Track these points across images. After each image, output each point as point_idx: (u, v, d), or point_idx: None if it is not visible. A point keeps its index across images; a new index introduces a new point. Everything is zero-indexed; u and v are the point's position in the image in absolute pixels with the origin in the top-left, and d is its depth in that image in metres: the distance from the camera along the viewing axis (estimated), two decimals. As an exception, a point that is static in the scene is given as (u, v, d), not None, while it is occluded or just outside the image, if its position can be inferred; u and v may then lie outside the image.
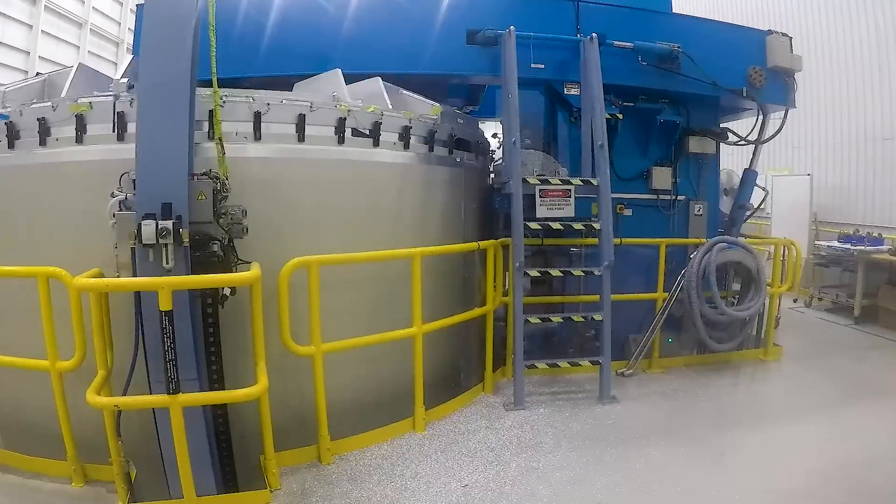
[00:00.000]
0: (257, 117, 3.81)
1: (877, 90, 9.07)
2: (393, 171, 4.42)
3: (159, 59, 3.13)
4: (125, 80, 3.99)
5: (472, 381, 5.32)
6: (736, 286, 6.29)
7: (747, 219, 7.13)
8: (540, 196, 5.09)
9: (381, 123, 4.26)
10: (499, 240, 5.29)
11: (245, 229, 3.38)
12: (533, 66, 5.39)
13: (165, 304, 2.85)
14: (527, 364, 5.05)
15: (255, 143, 3.82)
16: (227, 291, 3.39)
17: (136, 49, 4.99)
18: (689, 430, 4.53)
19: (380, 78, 4.70)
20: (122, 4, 15.62)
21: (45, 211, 3.67)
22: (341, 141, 4.09)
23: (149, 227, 2.91)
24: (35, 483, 3.63)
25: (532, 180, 5.10)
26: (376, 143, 4.27)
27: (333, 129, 4.07)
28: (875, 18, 9.04)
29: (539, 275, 5.28)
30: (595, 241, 5.34)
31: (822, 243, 9.09)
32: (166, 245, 2.95)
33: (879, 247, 8.06)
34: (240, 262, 3.48)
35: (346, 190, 4.14)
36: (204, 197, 3.16)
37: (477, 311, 5.08)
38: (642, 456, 4.10)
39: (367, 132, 4.21)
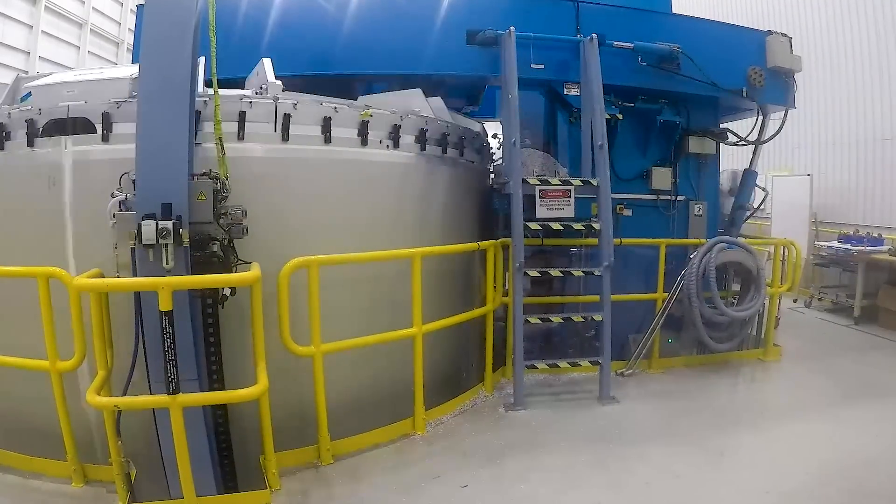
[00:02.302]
0: (286, 119, 3.84)
1: (877, 90, 9.07)
2: (393, 171, 4.42)
3: (159, 60, 3.13)
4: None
5: (473, 381, 5.32)
6: (736, 286, 6.29)
7: (747, 219, 7.14)
8: (540, 196, 5.09)
9: (400, 126, 4.32)
10: (499, 240, 5.30)
11: (245, 229, 3.38)
12: (533, 66, 5.39)
13: (165, 304, 2.85)
14: (527, 364, 5.05)
15: (257, 143, 3.83)
16: (227, 292, 3.40)
17: (136, 49, 4.99)
18: (689, 431, 4.53)
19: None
20: (122, 4, 15.60)
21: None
22: (365, 143, 4.18)
23: (149, 228, 2.91)
24: (35, 483, 3.63)
25: (532, 180, 5.10)
26: (396, 146, 4.34)
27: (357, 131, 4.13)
28: (875, 18, 9.03)
29: (539, 275, 5.27)
30: (595, 241, 5.34)
31: (822, 243, 9.10)
32: (166, 245, 2.95)
33: (879, 247, 8.06)
34: (240, 262, 3.48)
35: (346, 190, 4.14)
36: (204, 197, 3.16)
37: (477, 312, 5.08)
38: (642, 456, 4.10)
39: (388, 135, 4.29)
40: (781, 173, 10.73)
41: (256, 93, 3.99)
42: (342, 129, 4.11)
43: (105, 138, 3.58)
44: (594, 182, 5.19)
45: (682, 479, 3.79)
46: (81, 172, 3.59)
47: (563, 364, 5.22)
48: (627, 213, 6.04)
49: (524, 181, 5.03)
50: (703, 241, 5.97)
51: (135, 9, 10.24)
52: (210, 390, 3.37)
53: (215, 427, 3.49)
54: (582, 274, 5.28)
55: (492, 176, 6.10)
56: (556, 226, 5.15)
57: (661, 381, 5.69)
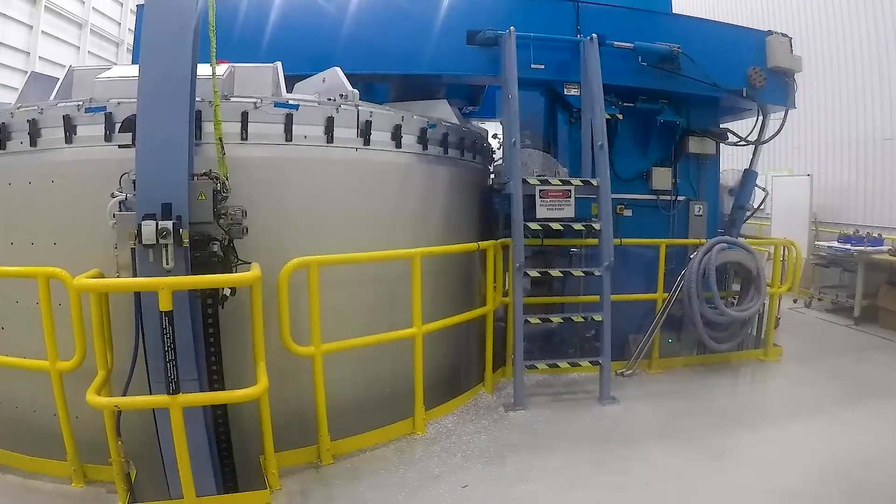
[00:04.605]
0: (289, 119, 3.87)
1: (877, 90, 9.07)
2: (393, 171, 4.42)
3: (159, 60, 3.13)
4: None
5: (472, 382, 5.32)
6: (736, 286, 6.29)
7: (747, 219, 7.14)
8: (540, 196, 5.09)
9: (401, 125, 4.34)
10: (499, 240, 5.30)
11: (245, 230, 3.38)
12: (533, 66, 5.40)
13: (165, 304, 2.85)
14: (527, 364, 5.05)
15: (257, 144, 3.83)
16: (227, 292, 3.39)
17: (136, 50, 4.98)
18: (689, 431, 4.53)
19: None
20: (122, 4, 15.62)
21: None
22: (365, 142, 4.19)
23: (149, 228, 2.91)
24: (35, 483, 3.63)
25: (532, 181, 5.10)
26: (398, 145, 4.34)
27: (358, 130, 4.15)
28: (875, 19, 9.03)
29: (539, 275, 5.27)
30: (595, 241, 5.34)
31: (822, 244, 9.09)
32: (166, 245, 2.95)
33: (879, 247, 8.06)
34: (240, 262, 3.48)
35: (346, 190, 4.14)
36: (204, 197, 3.16)
37: (477, 312, 5.07)
38: (642, 456, 4.10)
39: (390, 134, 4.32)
40: (781, 173, 10.73)
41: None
42: (343, 130, 4.11)
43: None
44: (594, 182, 5.19)
45: (682, 479, 3.79)
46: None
47: (563, 364, 5.22)
48: (627, 213, 6.05)
49: (524, 181, 5.03)
50: (703, 241, 5.97)
51: (135, 9, 10.25)
52: (210, 390, 3.37)
53: (215, 427, 3.49)
54: (582, 274, 5.27)
55: (492, 176, 6.10)
56: (556, 226, 5.15)
57: (661, 381, 5.68)
